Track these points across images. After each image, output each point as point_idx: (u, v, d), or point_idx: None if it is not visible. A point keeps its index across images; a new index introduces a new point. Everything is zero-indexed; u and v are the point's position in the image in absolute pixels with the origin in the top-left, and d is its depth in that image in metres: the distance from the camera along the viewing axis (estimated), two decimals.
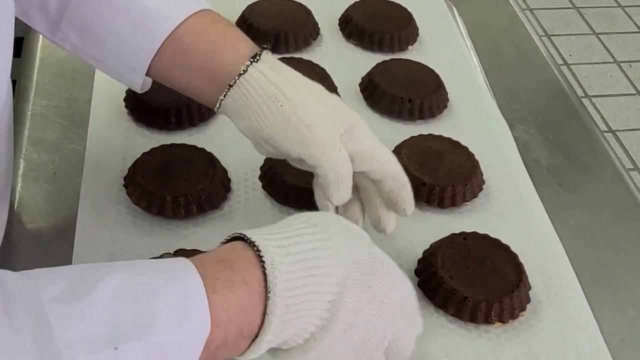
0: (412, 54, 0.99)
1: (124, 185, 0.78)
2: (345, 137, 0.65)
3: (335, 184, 0.65)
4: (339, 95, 0.91)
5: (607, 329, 0.71)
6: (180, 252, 0.70)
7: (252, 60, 0.66)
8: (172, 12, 0.68)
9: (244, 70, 0.65)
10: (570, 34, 2.70)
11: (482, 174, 0.82)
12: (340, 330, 0.52)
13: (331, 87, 0.91)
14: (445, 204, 0.79)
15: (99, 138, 0.85)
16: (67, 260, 0.71)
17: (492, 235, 0.75)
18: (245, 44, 0.68)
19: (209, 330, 0.48)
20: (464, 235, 0.74)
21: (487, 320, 0.67)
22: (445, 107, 0.92)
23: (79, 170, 0.81)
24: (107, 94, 0.90)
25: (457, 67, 0.99)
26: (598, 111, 2.38)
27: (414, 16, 1.02)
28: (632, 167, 2.21)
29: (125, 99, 0.88)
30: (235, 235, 0.54)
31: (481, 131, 0.90)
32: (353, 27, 1.00)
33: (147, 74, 0.70)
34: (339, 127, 0.65)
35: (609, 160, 0.91)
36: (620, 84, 2.53)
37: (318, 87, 0.68)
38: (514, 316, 0.68)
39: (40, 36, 0.98)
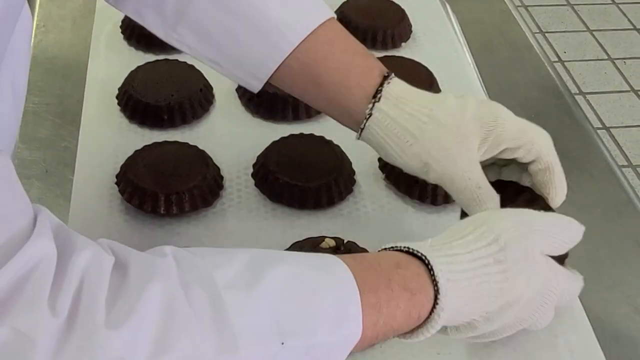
0: (405, 51, 0.99)
1: (115, 183, 0.77)
2: (484, 147, 0.64)
3: (474, 202, 0.65)
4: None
5: (599, 326, 0.71)
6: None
7: (373, 100, 0.65)
8: (298, 24, 0.67)
9: (369, 115, 0.65)
10: (564, 31, 2.70)
11: None
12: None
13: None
14: (438, 201, 0.79)
15: (91, 135, 0.85)
16: None
17: None
18: (369, 74, 0.66)
19: (360, 334, 0.50)
20: None
21: None
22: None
23: (70, 167, 0.81)
24: (99, 92, 0.90)
25: (450, 64, 0.99)
26: (592, 108, 2.38)
27: (407, 13, 1.02)
28: (626, 164, 2.21)
29: (117, 97, 0.88)
30: (415, 252, 0.55)
31: None
32: (346, 25, 0.98)
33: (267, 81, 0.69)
34: (472, 145, 0.64)
35: (601, 157, 0.91)
36: (614, 80, 2.52)
37: (443, 110, 0.65)
38: None
39: (33, 33, 0.98)
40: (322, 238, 0.72)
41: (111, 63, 0.94)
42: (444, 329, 0.57)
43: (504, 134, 0.64)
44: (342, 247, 0.72)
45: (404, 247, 0.56)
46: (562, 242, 0.61)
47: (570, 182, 0.87)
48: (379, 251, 0.57)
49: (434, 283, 0.53)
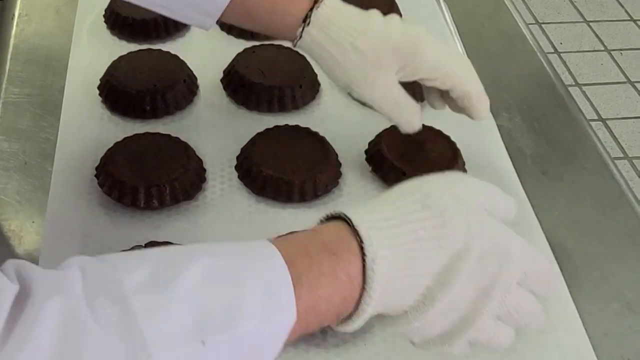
0: None
1: (95, 176, 0.75)
2: (401, 73, 0.71)
3: (396, 116, 0.73)
4: (319, 84, 0.89)
5: (590, 322, 0.69)
6: (152, 245, 0.69)
7: (303, 24, 0.71)
8: None
9: (299, 37, 0.72)
10: (561, 22, 2.68)
11: (463, 163, 0.80)
12: (436, 312, 0.51)
13: (311, 73, 0.88)
14: None
15: (71, 126, 0.83)
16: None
17: None
18: (299, 4, 0.72)
19: (294, 321, 0.47)
20: None
21: None
22: None
23: (51, 160, 0.79)
24: (81, 82, 0.88)
25: None
26: (588, 99, 2.36)
27: (397, 2, 1.00)
28: (621, 155, 2.19)
29: (99, 87, 0.86)
30: (338, 214, 0.52)
31: (463, 120, 0.88)
32: None
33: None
34: (389, 72, 0.70)
35: (594, 150, 0.89)
36: (610, 72, 2.51)
37: (366, 39, 0.70)
38: None
39: (15, 22, 0.96)
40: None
41: (93, 53, 0.92)
42: (404, 318, 0.52)
43: (421, 66, 0.71)
44: None
45: (323, 217, 0.53)
46: (499, 200, 0.56)
47: (563, 175, 0.86)
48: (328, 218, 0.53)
49: (355, 233, 0.49)
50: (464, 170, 0.80)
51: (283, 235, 0.54)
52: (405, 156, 0.78)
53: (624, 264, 0.76)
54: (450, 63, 0.72)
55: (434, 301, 0.51)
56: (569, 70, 2.48)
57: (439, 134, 0.82)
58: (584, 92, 2.41)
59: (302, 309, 0.47)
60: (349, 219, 0.50)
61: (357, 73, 0.71)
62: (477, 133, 0.87)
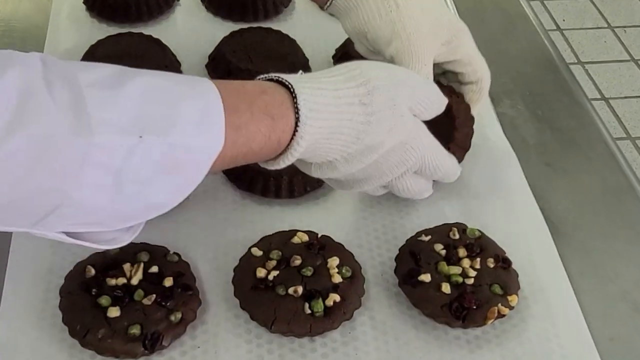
0: None
1: None
2: (443, 48, 0.70)
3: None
4: (310, 69, 0.84)
5: (596, 326, 0.65)
6: (133, 247, 0.64)
7: None
8: None
9: None
10: None
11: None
12: (336, 177, 0.62)
13: (302, 60, 0.84)
14: None
15: None
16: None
17: (474, 221, 0.70)
18: None
19: (222, 145, 0.51)
20: None
21: None
22: None
23: None
24: None
25: None
26: (591, 78, 2.31)
27: None
28: (624, 136, 2.15)
29: None
30: (278, 78, 0.57)
31: None
32: None
33: None
34: (437, 41, 0.69)
35: (600, 139, 0.85)
36: (614, 50, 2.45)
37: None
38: None
39: None
40: (294, 232, 0.66)
41: (71, 36, 0.87)
42: (308, 166, 0.61)
43: (463, 48, 0.72)
44: (316, 241, 0.66)
45: (275, 76, 0.57)
46: (428, 104, 0.63)
47: (567, 166, 0.81)
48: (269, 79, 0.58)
49: (296, 111, 0.55)
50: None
51: (232, 82, 0.57)
52: None
53: (631, 263, 0.72)
54: (481, 59, 0.74)
55: (335, 170, 0.60)
56: (571, 47, 2.43)
57: None
58: (586, 71, 2.36)
59: (233, 151, 0.53)
60: (294, 92, 0.55)
61: (414, 22, 0.68)
62: (478, 122, 0.82)
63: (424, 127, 0.63)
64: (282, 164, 0.57)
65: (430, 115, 0.64)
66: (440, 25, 0.70)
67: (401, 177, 0.64)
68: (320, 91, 0.56)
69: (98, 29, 0.88)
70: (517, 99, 0.88)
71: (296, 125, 0.55)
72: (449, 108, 0.68)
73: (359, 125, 0.57)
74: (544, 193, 0.77)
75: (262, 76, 0.58)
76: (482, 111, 0.83)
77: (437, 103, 0.65)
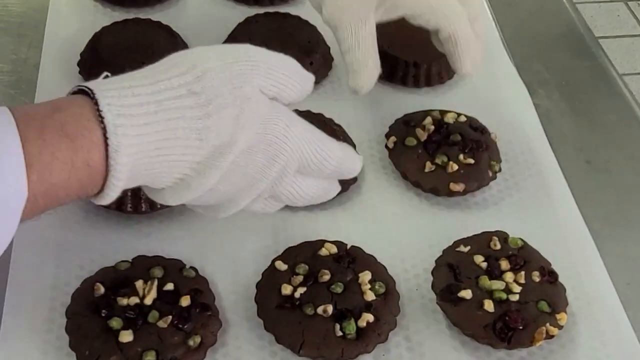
0: None
1: None
2: (381, 8, 0.63)
3: (350, 59, 0.63)
4: (332, 58, 0.78)
5: None
6: (140, 260, 0.59)
7: None
8: None
9: None
10: None
11: None
12: (194, 197, 0.49)
13: (323, 48, 0.77)
14: None
15: None
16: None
17: (513, 228, 0.64)
18: None
19: (26, 193, 0.42)
20: None
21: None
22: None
23: None
24: (58, 57, 0.77)
25: None
26: (604, 53, 2.24)
27: None
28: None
29: (79, 64, 0.75)
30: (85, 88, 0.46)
31: (497, 101, 0.78)
32: None
33: None
34: (365, 3, 0.62)
35: None
36: (627, 24, 2.39)
37: None
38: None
39: None
40: (321, 243, 0.61)
41: (73, 22, 0.81)
42: (161, 194, 0.49)
43: (405, 1, 0.63)
44: (345, 254, 0.60)
45: (76, 87, 0.47)
46: (287, 83, 0.51)
47: (609, 164, 0.75)
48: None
49: (100, 120, 0.44)
50: None
51: (21, 106, 0.46)
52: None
53: None
54: (435, 2, 0.64)
55: (190, 189, 0.48)
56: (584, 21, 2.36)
57: None
58: (600, 46, 2.29)
59: (32, 192, 0.42)
60: (95, 100, 0.45)
61: None
62: (514, 116, 0.76)
63: (291, 112, 0.52)
64: (108, 196, 0.46)
65: (294, 96, 0.52)
66: None
67: (282, 180, 0.51)
68: (131, 89, 0.45)
69: (103, 13, 0.81)
70: (552, 90, 0.82)
71: (106, 138, 0.44)
72: None
73: (195, 122, 0.46)
74: (584, 194, 0.71)
75: (70, 90, 0.48)
76: (518, 100, 0.78)
77: (299, 81, 0.52)
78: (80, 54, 0.75)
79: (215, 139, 0.47)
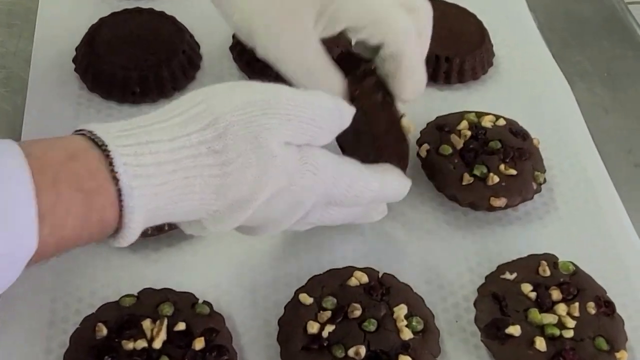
0: None
1: None
2: (320, 24, 0.52)
3: (313, 86, 0.52)
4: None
5: None
6: (148, 292, 0.52)
7: None
8: None
9: None
10: None
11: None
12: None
13: (344, 41, 0.70)
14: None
15: (39, 111, 0.65)
16: None
17: (563, 249, 0.58)
18: None
19: (35, 247, 0.39)
20: None
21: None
22: (491, 65, 0.72)
23: None
24: (51, 52, 0.69)
25: (503, 11, 0.78)
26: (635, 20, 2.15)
27: None
28: None
29: (74, 59, 0.67)
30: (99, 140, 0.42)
31: (536, 98, 0.71)
32: None
33: None
34: (303, 20, 0.52)
35: None
36: None
37: None
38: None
39: None
40: (351, 270, 0.54)
41: (68, 12, 0.73)
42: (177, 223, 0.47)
43: (343, 12, 0.52)
44: (378, 284, 0.53)
45: (88, 130, 0.42)
46: (316, 126, 0.46)
47: None
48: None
49: (116, 182, 0.41)
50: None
51: (34, 144, 0.42)
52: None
53: None
54: (384, 11, 0.53)
55: (205, 230, 0.46)
56: None
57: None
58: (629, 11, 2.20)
59: (41, 244, 0.39)
60: (110, 156, 0.41)
61: (259, 18, 0.52)
62: (556, 117, 0.69)
63: (322, 155, 0.47)
64: (123, 242, 0.43)
65: (326, 137, 0.47)
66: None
67: (310, 214, 0.49)
68: (149, 146, 0.42)
69: (101, 1, 0.73)
70: (594, 82, 0.75)
71: (120, 197, 0.41)
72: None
73: (213, 180, 0.43)
74: (634, 202, 0.64)
75: (78, 128, 0.43)
76: (559, 96, 0.71)
77: (332, 121, 0.48)
78: (76, 49, 0.68)
79: (233, 196, 0.44)
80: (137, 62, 0.65)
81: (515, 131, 0.63)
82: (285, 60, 0.52)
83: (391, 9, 0.53)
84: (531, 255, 0.57)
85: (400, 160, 0.55)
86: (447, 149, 0.61)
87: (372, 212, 0.55)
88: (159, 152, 0.42)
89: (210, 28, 0.71)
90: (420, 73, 0.55)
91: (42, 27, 0.71)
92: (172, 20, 0.69)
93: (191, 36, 0.69)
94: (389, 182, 0.52)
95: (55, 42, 0.69)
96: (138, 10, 0.70)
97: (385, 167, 0.52)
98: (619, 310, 0.54)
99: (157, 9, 0.70)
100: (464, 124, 0.63)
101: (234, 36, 0.70)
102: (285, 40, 0.52)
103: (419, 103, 0.67)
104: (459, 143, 0.61)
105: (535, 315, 0.52)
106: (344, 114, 0.48)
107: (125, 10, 0.70)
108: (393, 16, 0.53)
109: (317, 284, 0.53)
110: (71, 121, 0.64)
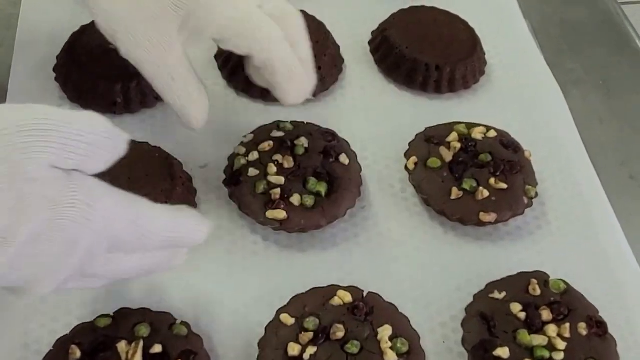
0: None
1: None
2: (185, 31, 0.51)
3: (169, 97, 0.53)
4: (343, 60, 0.69)
5: None
6: (123, 314, 0.51)
7: None
8: None
9: None
10: None
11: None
12: None
13: (331, 47, 0.68)
14: None
15: None
16: None
17: (552, 266, 0.56)
18: None
19: None
20: None
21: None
22: (483, 73, 0.70)
23: None
24: (32, 60, 0.67)
25: (496, 17, 0.76)
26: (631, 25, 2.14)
27: None
28: None
29: (55, 68, 0.66)
30: None
31: (528, 107, 0.69)
32: None
33: None
34: (167, 26, 0.51)
35: None
36: None
37: None
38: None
39: None
40: (334, 290, 0.52)
41: (50, 18, 0.71)
42: None
43: (206, 24, 0.51)
44: (362, 303, 0.52)
45: None
46: (90, 150, 0.40)
47: None
48: None
49: None
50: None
51: None
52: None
53: None
54: (248, 21, 0.52)
55: None
56: None
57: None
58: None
59: None
60: None
61: (122, 21, 0.51)
62: (550, 127, 0.68)
63: (97, 185, 0.41)
64: None
65: (98, 165, 0.41)
66: (160, 5, 0.50)
67: (92, 263, 0.42)
68: None
69: (84, 7, 0.71)
70: (588, 89, 0.73)
71: None
72: None
73: None
74: (628, 215, 0.63)
75: None
76: (552, 105, 0.69)
77: (102, 143, 0.41)
78: (57, 57, 0.66)
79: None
80: (119, 72, 0.63)
81: (506, 143, 0.61)
82: (146, 64, 0.51)
83: (254, 18, 0.52)
84: (521, 272, 0.55)
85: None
86: (435, 162, 0.59)
87: (172, 258, 0.47)
88: None
89: None
90: (299, 77, 0.54)
91: (23, 34, 0.69)
92: None
93: None
94: (183, 222, 0.45)
95: (37, 50, 0.67)
96: None
97: (180, 207, 0.47)
98: (611, 330, 0.52)
99: None
100: (453, 136, 0.61)
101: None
102: (146, 46, 0.51)
103: (408, 112, 0.66)
104: (448, 156, 0.60)
105: (524, 336, 0.51)
106: (118, 142, 0.42)
107: None
108: (256, 26, 0.52)
109: (299, 303, 0.52)
110: None
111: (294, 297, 0.52)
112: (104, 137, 0.41)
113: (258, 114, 0.65)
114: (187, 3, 0.50)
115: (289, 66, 0.54)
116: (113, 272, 0.44)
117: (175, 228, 0.45)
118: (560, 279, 0.54)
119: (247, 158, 0.58)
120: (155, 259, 0.46)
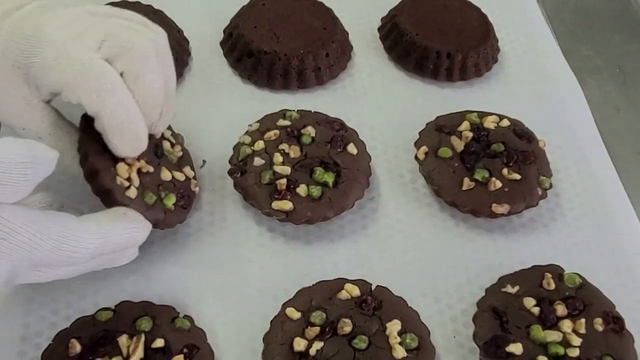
0: None
1: None
2: (35, 90, 0.49)
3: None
4: (352, 47, 0.67)
5: None
6: (124, 307, 0.49)
7: None
8: None
9: None
10: None
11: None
12: None
13: (340, 33, 0.67)
14: None
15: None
16: None
17: (568, 259, 0.55)
18: None
19: None
20: None
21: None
22: (496, 61, 0.68)
23: None
24: None
25: (509, 3, 0.74)
26: None
27: None
28: None
29: None
30: None
31: (542, 96, 0.67)
32: None
33: None
34: (12, 90, 0.48)
35: None
36: None
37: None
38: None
39: None
40: (342, 282, 0.51)
41: None
42: None
43: (40, 78, 0.48)
44: (370, 297, 0.50)
45: None
46: None
47: None
48: None
49: None
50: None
51: None
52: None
53: None
54: (75, 73, 0.47)
55: None
56: None
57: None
58: None
59: None
60: None
61: None
62: (564, 116, 0.66)
63: (11, 211, 0.40)
64: None
65: (14, 194, 0.40)
66: (5, 64, 0.48)
67: (18, 280, 0.42)
68: None
69: None
70: (604, 79, 0.71)
71: None
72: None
73: None
74: None
75: None
76: (567, 94, 0.67)
77: (17, 171, 0.40)
78: None
79: None
80: None
81: (519, 133, 0.60)
82: (12, 125, 0.49)
83: (86, 68, 0.47)
84: (535, 266, 0.53)
85: None
86: (446, 152, 0.58)
87: (118, 257, 0.47)
88: None
89: (199, 23, 0.68)
90: (131, 131, 0.49)
91: None
92: (160, 14, 0.66)
93: (180, 31, 0.66)
94: (116, 232, 0.45)
95: None
96: (124, 3, 0.66)
97: (118, 214, 0.46)
98: (628, 326, 0.50)
99: (144, 2, 0.66)
100: (465, 125, 0.59)
101: (224, 31, 0.67)
102: (4, 110, 0.49)
103: (419, 101, 0.64)
104: (460, 145, 0.58)
105: (538, 332, 0.49)
106: (40, 167, 0.41)
107: (111, 4, 0.66)
108: (86, 77, 0.47)
109: (305, 297, 0.50)
110: None
111: (300, 290, 0.51)
112: (20, 168, 0.40)
113: (264, 102, 0.63)
114: (24, 62, 0.47)
115: (120, 120, 0.48)
116: (48, 279, 0.43)
117: (105, 242, 0.44)
118: (576, 273, 0.52)
119: (252, 147, 0.56)
120: (93, 264, 0.45)
